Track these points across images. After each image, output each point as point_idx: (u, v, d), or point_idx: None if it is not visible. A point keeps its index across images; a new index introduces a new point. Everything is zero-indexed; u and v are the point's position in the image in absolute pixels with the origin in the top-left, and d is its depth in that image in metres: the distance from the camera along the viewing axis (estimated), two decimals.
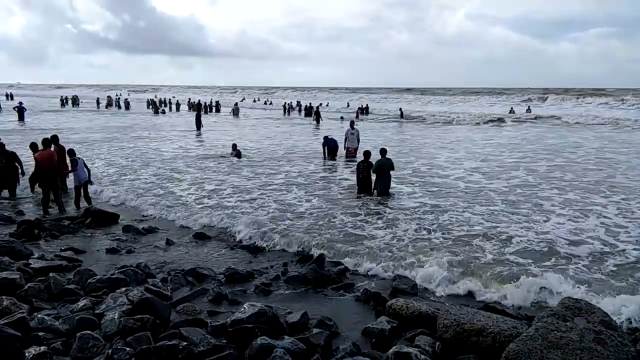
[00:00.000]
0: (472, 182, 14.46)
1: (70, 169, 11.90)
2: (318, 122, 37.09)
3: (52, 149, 11.70)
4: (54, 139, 12.19)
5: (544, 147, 23.06)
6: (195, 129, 30.84)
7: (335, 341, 5.30)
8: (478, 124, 37.10)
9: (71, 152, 12.04)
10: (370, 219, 10.45)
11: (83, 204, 11.71)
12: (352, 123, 20.38)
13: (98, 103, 60.14)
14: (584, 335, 4.56)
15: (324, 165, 17.87)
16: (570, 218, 10.34)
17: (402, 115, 43.56)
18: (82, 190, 11.93)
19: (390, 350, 4.84)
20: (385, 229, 9.75)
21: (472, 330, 4.96)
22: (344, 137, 19.70)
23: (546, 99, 64.40)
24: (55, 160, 11.23)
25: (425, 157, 19.86)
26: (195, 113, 34.23)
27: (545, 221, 10.10)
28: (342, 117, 41.32)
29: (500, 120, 38.34)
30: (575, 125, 35.29)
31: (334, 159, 19.35)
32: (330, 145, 19.66)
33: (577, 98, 63.01)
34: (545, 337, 4.53)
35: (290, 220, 10.39)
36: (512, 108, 52.74)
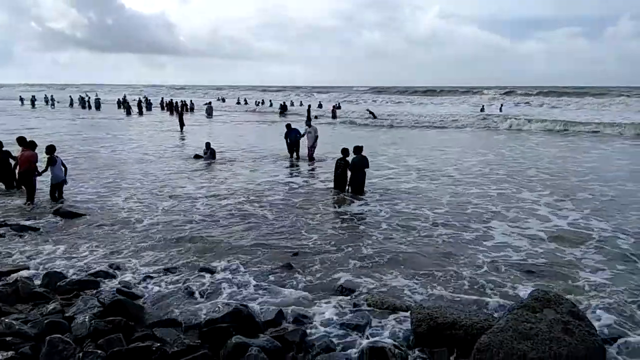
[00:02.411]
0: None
1: (44, 168, 11.85)
2: (309, 119, 37.86)
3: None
4: (32, 143, 11.97)
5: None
6: (179, 128, 31.21)
7: (311, 337, 5.31)
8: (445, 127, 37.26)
9: (49, 150, 11.85)
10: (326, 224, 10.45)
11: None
12: (307, 121, 19.79)
13: (83, 102, 59.07)
14: (552, 326, 4.68)
15: (286, 166, 17.68)
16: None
17: (374, 117, 42.43)
18: (57, 188, 11.99)
19: (365, 345, 4.89)
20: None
21: (445, 324, 5.04)
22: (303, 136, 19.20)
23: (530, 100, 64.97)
24: (33, 162, 11.60)
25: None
26: (168, 112, 33.94)
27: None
28: (315, 117, 41.32)
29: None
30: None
31: (298, 157, 18.99)
32: (291, 137, 19.19)
33: (559, 97, 64.56)
34: (515, 329, 4.64)
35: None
36: (483, 106, 53.23)
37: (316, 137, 18.80)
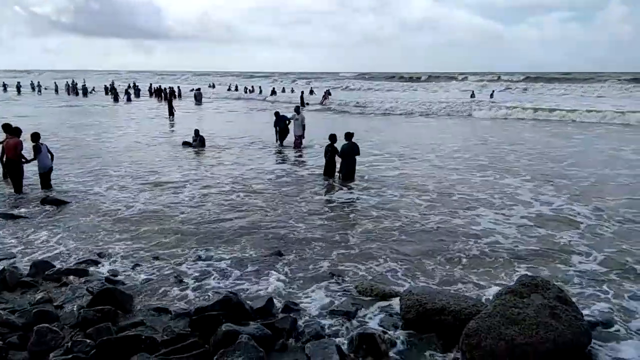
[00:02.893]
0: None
1: (33, 156, 11.61)
2: (303, 105, 38.66)
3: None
4: (17, 130, 11.70)
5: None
6: (168, 115, 30.98)
7: (301, 323, 5.33)
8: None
9: (34, 137, 11.62)
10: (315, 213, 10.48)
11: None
12: (297, 108, 19.21)
13: (71, 88, 58.28)
14: (540, 311, 4.73)
15: (274, 153, 17.57)
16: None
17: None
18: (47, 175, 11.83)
19: (355, 332, 4.91)
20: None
21: (434, 310, 5.07)
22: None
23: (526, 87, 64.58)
24: (19, 149, 11.31)
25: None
26: (157, 99, 33.66)
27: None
28: (307, 103, 41.10)
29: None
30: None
31: (282, 144, 18.80)
32: (280, 125, 18.97)
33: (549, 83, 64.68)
34: (503, 314, 4.68)
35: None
36: (473, 92, 52.77)
37: (304, 127, 18.54)
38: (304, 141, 18.61)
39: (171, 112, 31.04)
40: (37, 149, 11.54)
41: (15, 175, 11.38)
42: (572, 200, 10.88)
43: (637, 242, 8.21)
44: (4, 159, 11.52)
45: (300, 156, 16.88)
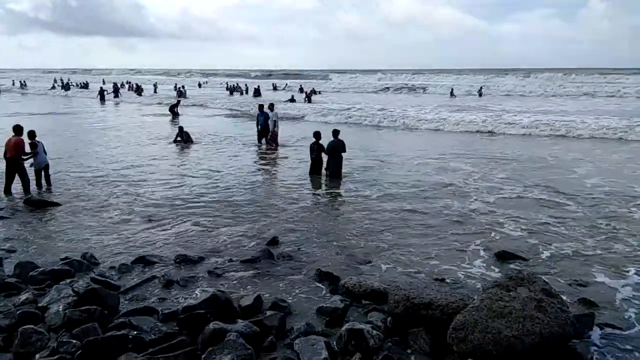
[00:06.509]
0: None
1: (30, 153, 11.56)
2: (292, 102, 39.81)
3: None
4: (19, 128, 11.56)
5: None
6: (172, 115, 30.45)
7: (289, 321, 5.33)
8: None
9: (31, 135, 11.64)
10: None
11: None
12: (271, 106, 18.85)
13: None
14: (526, 304, 4.78)
15: (258, 151, 17.50)
16: None
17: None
18: (42, 173, 11.82)
19: (343, 328, 4.91)
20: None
21: (421, 304, 5.09)
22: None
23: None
24: (21, 148, 11.29)
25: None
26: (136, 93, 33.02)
27: None
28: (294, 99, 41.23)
29: None
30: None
31: (267, 142, 18.43)
32: (260, 121, 18.59)
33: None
34: (490, 308, 4.72)
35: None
36: (452, 90, 49.76)
37: (275, 123, 18.36)
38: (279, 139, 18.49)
39: (174, 114, 30.33)
40: (34, 146, 11.52)
41: (19, 173, 11.20)
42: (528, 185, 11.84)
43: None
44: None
45: (284, 154, 16.83)
